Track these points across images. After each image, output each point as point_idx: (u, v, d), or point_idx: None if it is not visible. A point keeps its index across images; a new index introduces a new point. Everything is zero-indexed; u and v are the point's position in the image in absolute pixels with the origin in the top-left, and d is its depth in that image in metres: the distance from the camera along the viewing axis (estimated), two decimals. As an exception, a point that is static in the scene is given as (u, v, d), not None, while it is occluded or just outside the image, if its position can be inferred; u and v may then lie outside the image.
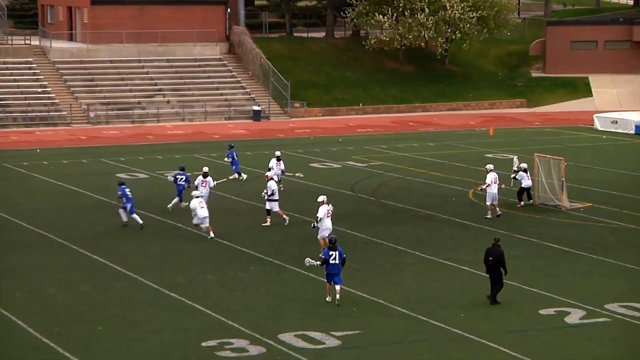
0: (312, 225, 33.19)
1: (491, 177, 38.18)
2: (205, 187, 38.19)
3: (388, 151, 55.76)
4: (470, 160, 51.24)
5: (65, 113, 67.09)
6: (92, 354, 23.52)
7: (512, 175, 40.94)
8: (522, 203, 40.31)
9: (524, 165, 40.79)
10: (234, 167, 45.46)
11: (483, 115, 73.24)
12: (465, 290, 28.92)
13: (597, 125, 65.59)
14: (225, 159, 46.28)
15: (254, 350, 23.77)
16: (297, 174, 43.20)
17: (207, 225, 34.85)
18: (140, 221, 36.43)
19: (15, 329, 25.40)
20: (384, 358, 23.46)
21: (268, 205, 36.86)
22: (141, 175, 47.77)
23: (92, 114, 67.47)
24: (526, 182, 40.39)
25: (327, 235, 31.90)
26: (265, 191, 36.81)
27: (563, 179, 40.06)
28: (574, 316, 26.43)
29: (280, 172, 42.05)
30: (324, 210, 32.61)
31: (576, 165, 47.34)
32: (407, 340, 24.65)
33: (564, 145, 56.53)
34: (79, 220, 37.85)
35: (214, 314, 26.43)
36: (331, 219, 32.78)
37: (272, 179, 37.48)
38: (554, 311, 26.82)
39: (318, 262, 27.70)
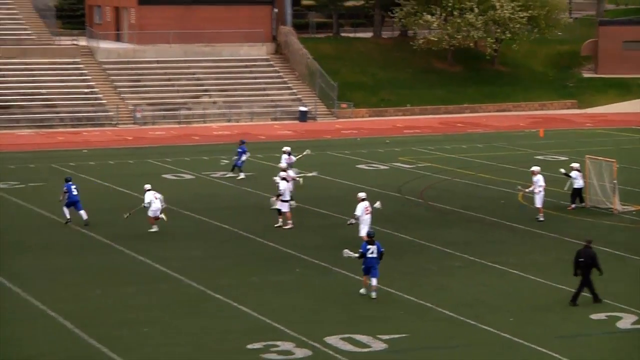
0: (348, 222, 33.60)
1: (540, 179, 37.87)
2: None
3: (435, 152, 55.58)
4: (520, 162, 50.89)
5: (111, 114, 67.56)
6: (138, 355, 23.59)
7: (565, 174, 40.42)
8: (574, 205, 39.96)
9: (576, 165, 40.41)
10: (236, 162, 46.62)
11: (533, 116, 72.84)
12: (512, 293, 28.75)
13: (650, 126, 65.13)
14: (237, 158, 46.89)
15: (300, 353, 23.74)
16: (311, 174, 42.65)
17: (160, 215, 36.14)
18: (85, 217, 37.03)
19: (61, 329, 25.56)
20: (431, 362, 23.39)
21: (279, 206, 36.76)
22: (187, 176, 47.97)
23: (138, 115, 67.87)
24: (579, 182, 40.02)
25: (364, 233, 31.98)
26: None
27: (615, 181, 39.73)
28: (626, 321, 26.17)
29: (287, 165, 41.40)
30: (361, 208, 32.97)
31: (628, 168, 46.89)
32: (454, 345, 24.52)
33: (616, 147, 56.01)
34: (125, 221, 38.00)
35: (260, 315, 26.44)
36: (371, 217, 33.05)
37: (284, 178, 37.37)
38: (605, 316, 26.57)
39: (356, 255, 27.98)
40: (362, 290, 28.35)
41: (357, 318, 26.42)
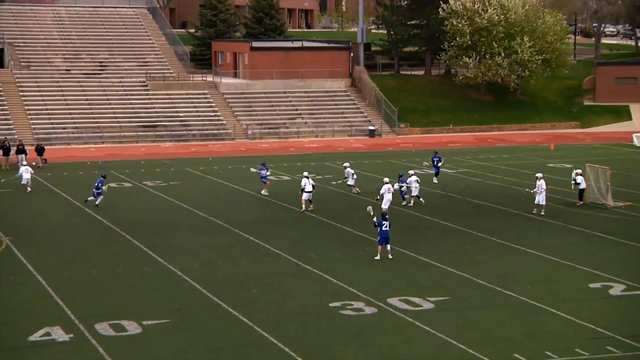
0: (375, 198, 35.87)
1: (542, 183, 37.30)
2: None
3: (472, 161, 55.09)
4: (536, 169, 50.17)
5: (230, 131, 68.11)
6: (250, 310, 23.80)
7: (573, 182, 39.90)
8: (582, 202, 39.39)
9: (579, 170, 39.95)
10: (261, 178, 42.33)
11: (546, 134, 71.81)
12: (531, 268, 28.42)
13: (636, 142, 63.82)
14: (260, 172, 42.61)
15: (368, 310, 23.76)
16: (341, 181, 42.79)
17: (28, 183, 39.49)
18: (97, 202, 38.22)
19: (193, 290, 25.88)
20: (468, 318, 23.18)
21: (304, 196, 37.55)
22: (285, 178, 48.17)
23: (250, 132, 68.33)
24: (584, 184, 39.52)
25: (387, 206, 34.95)
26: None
27: (608, 183, 39.10)
28: (617, 289, 25.77)
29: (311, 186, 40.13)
30: (385, 188, 35.62)
31: (618, 173, 46.02)
32: (486, 305, 24.34)
33: (609, 158, 55.02)
34: (239, 211, 38.36)
35: (340, 282, 26.49)
36: (392, 195, 35.70)
37: (306, 177, 37.82)
38: (601, 285, 26.18)
39: (374, 219, 29.05)
40: (376, 257, 28.92)
41: (411, 284, 26.34)
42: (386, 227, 28.85)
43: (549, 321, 22.97)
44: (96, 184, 38.81)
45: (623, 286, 26.02)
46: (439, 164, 46.24)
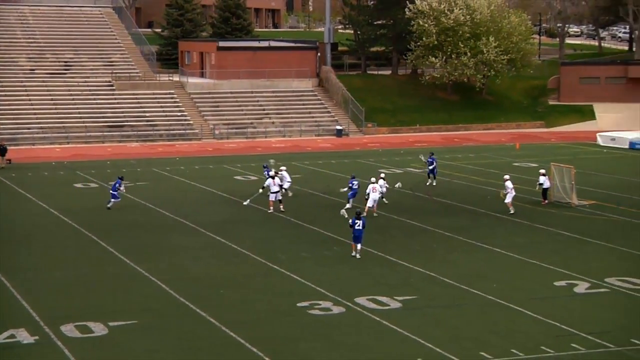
0: (366, 197, 36.43)
1: (509, 184, 37.77)
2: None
3: (438, 161, 55.14)
4: (502, 168, 50.60)
5: (197, 131, 67.84)
6: (218, 310, 23.72)
7: (538, 182, 40.18)
8: (547, 201, 39.75)
9: (542, 170, 40.33)
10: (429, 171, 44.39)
11: (511, 133, 72.37)
12: (498, 267, 28.62)
13: (599, 141, 64.52)
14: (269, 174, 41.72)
15: (336, 309, 23.79)
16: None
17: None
18: (109, 205, 37.96)
19: (160, 291, 25.74)
20: (435, 317, 23.30)
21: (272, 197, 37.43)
22: (252, 177, 48.09)
23: (217, 132, 68.13)
24: (547, 184, 39.88)
25: (371, 205, 36.16)
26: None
27: (573, 182, 39.48)
28: (581, 287, 26.02)
29: (288, 182, 40.43)
30: (370, 187, 36.48)
31: (583, 172, 46.51)
32: (453, 304, 24.47)
33: (574, 157, 55.60)
34: (207, 211, 38.20)
35: (307, 282, 26.49)
36: (377, 195, 36.22)
37: (273, 177, 37.75)
38: (566, 283, 26.43)
39: (350, 221, 29.44)
40: (352, 253, 29.35)
41: (379, 284, 26.41)
42: (359, 226, 29.13)
43: (515, 319, 23.14)
44: (114, 185, 38.56)
45: (587, 284, 26.29)
46: (432, 167, 45.06)
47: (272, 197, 37.47)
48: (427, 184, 44.51)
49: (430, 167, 45.17)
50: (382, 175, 39.08)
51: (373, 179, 37.45)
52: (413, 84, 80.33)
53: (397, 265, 28.53)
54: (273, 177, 37.76)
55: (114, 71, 73.46)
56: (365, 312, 23.50)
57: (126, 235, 33.16)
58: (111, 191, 38.50)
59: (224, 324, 22.57)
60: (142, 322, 22.70)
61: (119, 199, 38.29)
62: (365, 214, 35.86)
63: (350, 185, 38.21)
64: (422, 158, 46.23)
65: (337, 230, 33.47)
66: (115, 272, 27.72)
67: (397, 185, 40.02)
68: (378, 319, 22.99)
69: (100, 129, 65.81)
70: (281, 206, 37.36)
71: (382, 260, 29.10)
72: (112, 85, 71.57)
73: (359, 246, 29.27)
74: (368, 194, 36.59)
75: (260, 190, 38.92)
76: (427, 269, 27.93)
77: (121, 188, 38.51)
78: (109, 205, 38.03)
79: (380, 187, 37.61)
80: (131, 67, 75.50)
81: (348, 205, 36.83)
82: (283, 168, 41.05)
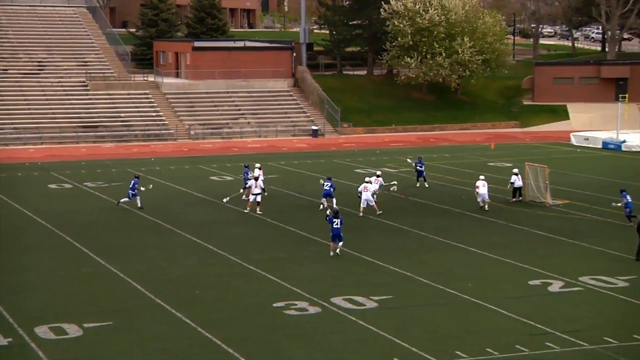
0: (358, 195, 36.92)
1: (480, 183, 38.46)
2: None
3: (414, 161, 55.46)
4: (477, 168, 50.84)
5: (172, 131, 67.61)
6: (194, 311, 23.66)
7: (510, 182, 40.44)
8: (514, 200, 40.03)
9: (515, 170, 40.60)
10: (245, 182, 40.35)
11: (486, 133, 72.72)
12: (473, 266, 28.74)
13: (573, 141, 64.98)
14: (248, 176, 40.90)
15: (312, 310, 23.80)
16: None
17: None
18: (139, 204, 37.95)
19: (135, 291, 25.63)
20: (412, 317, 23.36)
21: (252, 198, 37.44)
22: (228, 178, 47.99)
23: (192, 132, 67.91)
24: (518, 183, 40.13)
25: (364, 204, 36.35)
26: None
27: (547, 182, 39.72)
28: (555, 286, 26.20)
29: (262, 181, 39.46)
30: (362, 187, 36.82)
31: (557, 172, 46.84)
32: (429, 303, 24.56)
33: (548, 156, 55.97)
34: (183, 212, 38.07)
35: (283, 282, 26.47)
36: (369, 194, 36.44)
37: (256, 179, 37.58)
38: (540, 282, 26.59)
39: (327, 218, 29.86)
40: (331, 253, 29.45)
41: (355, 284, 26.43)
42: (337, 224, 29.26)
43: (490, 318, 23.27)
44: (131, 185, 38.38)
45: (561, 283, 26.47)
46: (421, 168, 44.52)
47: (251, 199, 37.35)
48: (417, 185, 44.33)
49: (419, 169, 44.49)
50: (379, 173, 39.62)
51: (367, 178, 37.87)
52: (388, 84, 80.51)
53: (374, 265, 28.58)
54: (256, 179, 37.62)
55: (88, 71, 73.04)
56: (342, 312, 23.52)
57: (101, 236, 32.99)
58: (130, 190, 38.33)
59: (200, 324, 22.51)
60: (117, 323, 22.60)
61: (130, 199, 38.29)
62: (361, 213, 36.59)
63: (326, 184, 38.11)
64: (409, 160, 46.26)
65: (313, 230, 33.49)
66: (90, 273, 27.56)
67: (392, 188, 40.21)
68: (354, 319, 23.02)
69: (74, 129, 65.41)
70: (258, 208, 37.25)
71: (359, 260, 29.13)
72: (86, 86, 71.17)
73: (340, 244, 29.40)
74: (360, 192, 36.95)
75: (242, 190, 38.91)
76: (403, 269, 27.99)
77: (141, 188, 38.47)
78: (139, 205, 38.04)
79: (377, 185, 38.45)
80: (105, 67, 75.09)
81: (325, 204, 37.04)
82: (257, 165, 41.04)
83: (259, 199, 37.28)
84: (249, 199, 37.58)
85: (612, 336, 21.70)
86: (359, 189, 37.27)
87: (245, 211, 37.34)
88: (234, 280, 26.86)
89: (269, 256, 29.89)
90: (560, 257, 30.07)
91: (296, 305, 24.10)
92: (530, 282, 26.57)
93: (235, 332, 22.04)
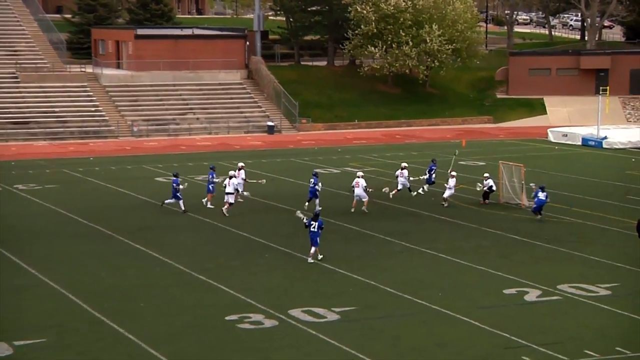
0: (352, 189, 38.14)
1: (451, 181, 39.71)
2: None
3: (378, 159, 55.76)
4: (446, 167, 51.06)
5: (113, 128, 67.20)
6: (137, 325, 23.52)
7: (489, 186, 40.65)
8: (487, 201, 40.45)
9: (487, 174, 40.92)
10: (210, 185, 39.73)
11: (457, 129, 73.26)
12: (442, 273, 28.92)
13: (551, 137, 65.69)
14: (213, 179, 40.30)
15: (268, 323, 23.78)
16: (260, 181, 41.70)
17: None
18: (182, 208, 37.96)
19: (72, 304, 25.42)
20: (376, 329, 23.44)
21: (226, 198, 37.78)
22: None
23: (135, 129, 67.55)
24: (489, 184, 40.58)
25: (356, 199, 38.01)
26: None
27: (523, 182, 40.10)
28: (532, 295, 26.44)
29: (242, 180, 40.04)
30: (354, 182, 38.20)
31: (533, 171, 47.30)
32: (395, 315, 24.65)
33: (523, 154, 56.50)
34: (125, 216, 37.86)
35: (236, 293, 26.44)
36: (360, 190, 37.77)
37: (231, 177, 37.90)
38: (515, 291, 26.82)
39: (305, 221, 29.78)
40: (309, 260, 29.54)
41: (314, 294, 26.48)
42: (314, 227, 29.42)
43: (461, 330, 23.42)
44: (173, 187, 38.04)
45: (539, 291, 26.72)
46: (432, 173, 43.57)
47: (226, 198, 37.51)
48: (420, 192, 43.06)
49: (429, 174, 43.29)
50: (404, 165, 41.47)
51: (360, 173, 38.85)
52: (351, 76, 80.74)
53: (335, 274, 28.64)
54: (231, 178, 37.73)
55: (19, 62, 72.32)
56: (300, 325, 23.54)
57: (33, 243, 32.67)
58: (174, 192, 38.08)
59: (144, 340, 22.39)
60: (52, 340, 22.39)
61: (174, 200, 38.21)
62: (353, 209, 37.97)
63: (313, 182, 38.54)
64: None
65: (268, 237, 33.47)
66: (21, 285, 27.28)
67: (384, 190, 41.10)
68: (314, 332, 23.05)
69: (3, 125, 64.78)
70: (224, 208, 37.34)
71: (318, 268, 29.17)
72: (16, 77, 70.48)
73: (313, 249, 29.58)
74: (352, 187, 38.05)
75: (218, 180, 39.23)
76: (366, 277, 28.08)
77: (181, 187, 38.17)
78: (182, 208, 37.98)
79: (404, 179, 40.71)
80: (38, 57, 74.39)
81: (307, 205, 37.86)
82: (240, 164, 41.37)
83: (230, 199, 37.25)
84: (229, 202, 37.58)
85: (593, 349, 21.96)
86: (352, 185, 38.44)
87: (207, 204, 37.54)
88: (182, 291, 26.75)
89: (221, 264, 29.82)
90: (538, 263, 30.37)
91: (250, 318, 24.08)
92: (505, 291, 26.79)
93: (184, 348, 21.95)
